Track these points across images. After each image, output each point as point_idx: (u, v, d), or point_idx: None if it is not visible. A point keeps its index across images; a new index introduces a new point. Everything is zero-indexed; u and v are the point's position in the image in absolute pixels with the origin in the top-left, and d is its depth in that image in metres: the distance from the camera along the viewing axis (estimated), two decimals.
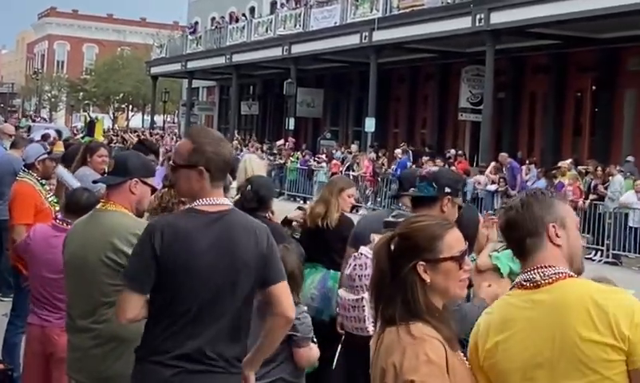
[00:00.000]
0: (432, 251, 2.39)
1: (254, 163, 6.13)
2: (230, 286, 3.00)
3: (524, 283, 2.36)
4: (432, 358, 2.25)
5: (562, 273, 2.33)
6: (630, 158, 19.81)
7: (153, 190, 3.95)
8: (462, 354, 2.42)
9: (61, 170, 6.49)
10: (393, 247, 2.43)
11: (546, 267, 2.34)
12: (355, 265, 4.13)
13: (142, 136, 25.61)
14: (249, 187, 5.14)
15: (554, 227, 2.37)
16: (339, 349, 4.88)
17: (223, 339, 3.00)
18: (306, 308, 4.13)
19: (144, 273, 3.01)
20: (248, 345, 3.14)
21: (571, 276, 2.34)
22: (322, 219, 5.44)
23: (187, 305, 2.98)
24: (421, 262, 2.38)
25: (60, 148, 7.54)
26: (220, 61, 35.61)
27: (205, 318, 2.99)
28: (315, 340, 4.10)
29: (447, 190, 3.93)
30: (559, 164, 18.18)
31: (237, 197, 5.26)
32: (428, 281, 2.37)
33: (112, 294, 3.46)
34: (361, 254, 4.17)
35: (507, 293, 2.44)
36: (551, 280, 2.32)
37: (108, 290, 3.53)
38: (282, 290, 3.10)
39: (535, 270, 2.35)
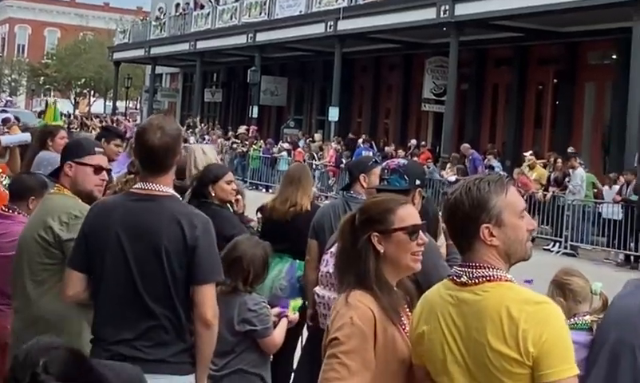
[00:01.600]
0: (385, 223, 2.61)
1: (198, 152, 5.99)
2: (151, 271, 3.01)
3: (455, 277, 2.35)
4: (355, 322, 2.47)
5: (490, 276, 2.29)
6: (530, 153, 20.18)
7: (99, 169, 3.85)
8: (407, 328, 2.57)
9: (4, 137, 6.41)
10: (355, 222, 2.64)
11: (476, 267, 2.31)
12: None
13: (104, 123, 25.34)
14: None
15: (487, 228, 2.30)
16: (305, 341, 4.85)
17: (152, 329, 3.01)
18: (262, 299, 4.09)
19: (78, 249, 3.14)
20: None
21: (500, 279, 2.29)
22: (290, 209, 5.39)
23: (112, 288, 3.03)
24: (375, 233, 2.59)
25: (17, 132, 7.38)
26: (184, 47, 35.32)
27: (130, 306, 3.01)
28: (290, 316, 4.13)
29: (417, 182, 3.95)
30: (526, 156, 18.36)
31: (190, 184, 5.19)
32: (382, 251, 2.59)
33: (39, 272, 3.53)
34: None
35: (444, 281, 2.43)
36: (477, 281, 2.29)
37: (36, 269, 3.58)
38: (207, 291, 3.05)
39: (466, 268, 2.33)
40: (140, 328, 3.01)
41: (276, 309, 4.24)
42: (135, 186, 3.20)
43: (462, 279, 2.30)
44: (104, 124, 20.07)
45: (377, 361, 2.51)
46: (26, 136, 5.67)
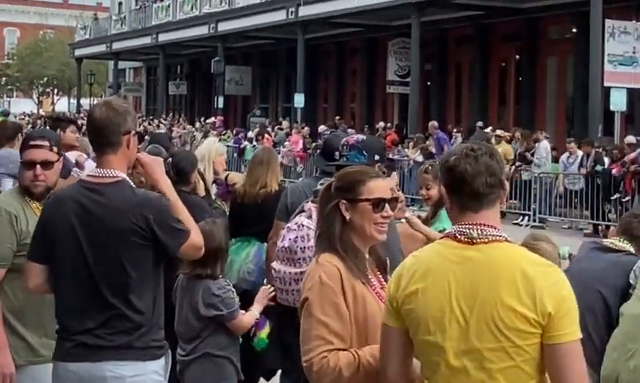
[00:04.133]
0: (353, 192, 2.78)
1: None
2: (106, 261, 2.99)
3: (459, 236, 2.33)
4: (324, 280, 2.65)
5: (500, 236, 2.33)
6: (479, 124, 20.44)
7: (29, 163, 3.73)
8: (378, 289, 2.73)
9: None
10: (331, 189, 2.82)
11: (486, 226, 2.32)
12: (297, 237, 4.03)
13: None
14: (169, 160, 5.10)
15: (504, 192, 2.37)
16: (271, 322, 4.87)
17: (114, 317, 3.00)
18: (226, 282, 4.10)
19: (36, 241, 3.14)
20: None
21: (508, 241, 2.33)
22: (260, 190, 5.39)
23: (71, 279, 3.03)
24: (343, 201, 2.77)
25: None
26: (146, 41, 35.07)
27: (89, 296, 3.00)
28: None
29: (376, 157, 3.97)
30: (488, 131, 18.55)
31: None
32: (348, 218, 2.76)
33: None
34: (302, 225, 4.08)
35: (438, 241, 2.42)
36: (487, 239, 2.30)
37: None
38: (188, 247, 3.09)
39: (474, 226, 2.32)
40: (102, 316, 2.99)
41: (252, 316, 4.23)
42: (89, 173, 3.19)
43: (472, 235, 2.30)
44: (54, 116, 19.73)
45: (349, 315, 2.63)
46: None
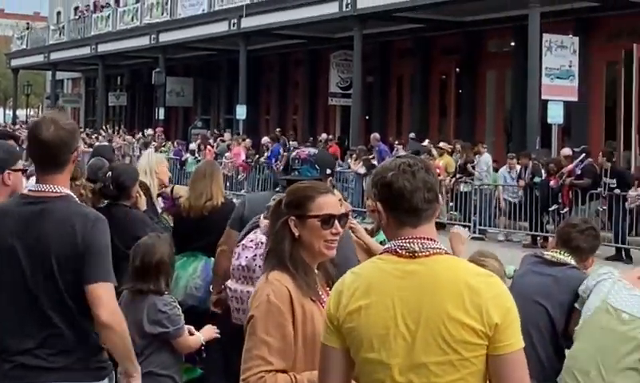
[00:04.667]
0: (302, 208, 2.76)
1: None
2: (44, 277, 2.90)
3: (399, 251, 2.30)
4: (271, 299, 2.62)
5: (441, 249, 2.31)
6: (412, 135, 20.78)
7: (23, 171, 3.82)
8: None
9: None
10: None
11: (426, 239, 2.30)
12: (255, 255, 3.91)
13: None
14: (109, 174, 4.99)
15: (439, 205, 2.36)
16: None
17: (53, 337, 2.91)
18: (172, 299, 4.01)
19: None
20: None
21: (448, 254, 2.32)
22: (206, 203, 5.31)
23: (10, 298, 2.93)
24: (292, 217, 2.75)
25: None
26: (85, 51, 34.57)
27: (28, 315, 2.90)
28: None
29: (328, 171, 3.97)
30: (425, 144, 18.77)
31: (99, 186, 5.08)
32: (297, 234, 2.74)
33: None
34: (261, 243, 3.94)
35: (378, 257, 2.38)
36: (428, 253, 2.28)
37: None
38: (99, 290, 2.91)
39: (415, 240, 2.29)
40: (41, 336, 2.90)
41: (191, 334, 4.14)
42: (30, 187, 3.09)
43: (414, 249, 2.28)
44: None
45: (296, 337, 2.63)
46: None
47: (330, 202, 2.81)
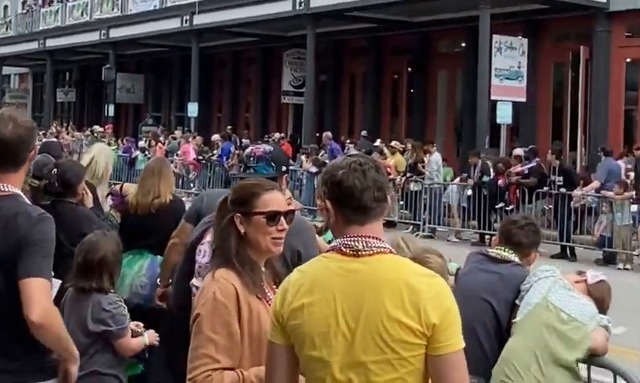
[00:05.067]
0: (247, 205, 2.75)
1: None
2: None
3: (344, 249, 2.31)
4: (217, 297, 2.61)
5: (385, 247, 2.31)
6: (364, 133, 21.00)
7: None
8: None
9: None
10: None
11: (371, 238, 2.30)
12: None
13: None
14: (54, 170, 4.90)
15: (387, 204, 2.36)
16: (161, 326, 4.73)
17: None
18: (118, 298, 3.95)
19: None
20: None
21: (392, 253, 2.32)
22: (154, 201, 5.26)
23: None
24: (238, 214, 2.74)
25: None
26: (33, 46, 34.01)
27: None
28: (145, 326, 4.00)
29: (284, 168, 3.94)
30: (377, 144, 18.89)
31: (44, 183, 4.99)
32: (242, 231, 2.74)
33: None
34: None
35: (324, 254, 2.39)
36: (372, 252, 2.29)
37: None
38: (30, 287, 2.79)
39: (359, 238, 2.30)
40: None
41: (132, 324, 4.08)
42: None
43: (357, 248, 2.28)
44: None
45: (243, 334, 2.62)
46: None
47: (276, 199, 2.80)
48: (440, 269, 3.37)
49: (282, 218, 2.78)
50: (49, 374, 2.95)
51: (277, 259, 2.91)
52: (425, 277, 2.29)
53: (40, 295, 2.80)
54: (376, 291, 2.24)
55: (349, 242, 2.31)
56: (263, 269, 2.81)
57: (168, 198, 5.33)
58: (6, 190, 2.91)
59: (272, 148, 4.07)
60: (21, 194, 2.99)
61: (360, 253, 2.29)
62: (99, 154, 6.16)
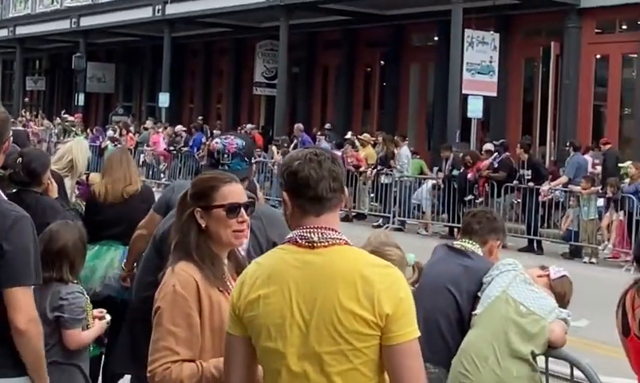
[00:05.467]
0: (207, 199, 2.75)
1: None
2: None
3: (299, 240, 2.32)
4: (177, 289, 2.63)
5: (341, 239, 2.32)
6: (328, 125, 21.10)
7: None
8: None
9: None
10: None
11: (327, 229, 2.31)
12: None
13: None
14: (19, 159, 4.86)
15: (344, 195, 2.38)
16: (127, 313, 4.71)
17: None
18: (79, 290, 3.92)
19: None
20: None
21: (347, 243, 2.33)
22: (126, 187, 5.28)
23: None
24: (198, 208, 2.75)
25: None
26: (3, 33, 33.66)
27: None
28: (107, 318, 3.97)
29: (253, 160, 4.02)
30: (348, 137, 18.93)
31: (9, 172, 4.94)
32: (203, 225, 2.74)
33: None
34: None
35: (281, 246, 2.40)
36: (327, 243, 2.30)
37: None
38: (16, 296, 2.79)
39: (315, 230, 2.31)
40: None
41: (96, 311, 4.05)
42: None
43: (313, 239, 2.29)
44: None
45: (204, 326, 2.65)
46: None
47: (235, 191, 2.79)
48: (400, 260, 3.38)
49: (242, 209, 2.77)
50: (19, 373, 2.92)
51: (238, 251, 2.91)
52: (379, 268, 2.30)
53: (26, 303, 2.82)
54: (330, 283, 2.25)
55: (305, 234, 2.32)
56: (226, 261, 2.81)
57: (140, 185, 5.40)
58: None
59: (244, 143, 4.01)
60: None
61: (315, 244, 2.30)
62: (77, 149, 6.13)
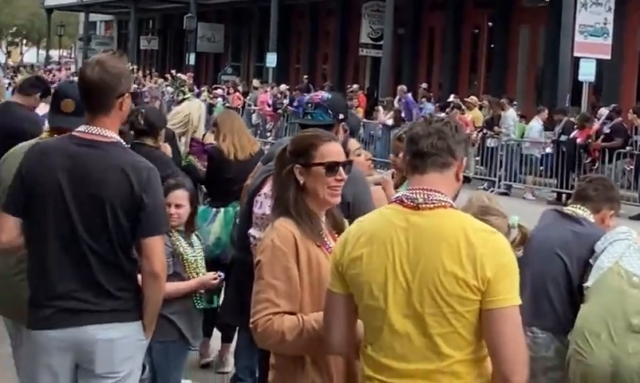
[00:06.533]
0: (306, 157, 2.78)
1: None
2: (95, 223, 2.91)
3: (405, 201, 2.34)
4: (276, 243, 2.69)
5: (445, 202, 2.33)
6: (424, 85, 20.50)
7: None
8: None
9: None
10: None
11: (431, 191, 2.33)
12: None
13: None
14: (142, 111, 5.15)
15: (462, 161, 2.40)
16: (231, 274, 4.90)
17: (96, 279, 2.93)
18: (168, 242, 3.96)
19: (14, 193, 3.02)
20: None
21: (452, 207, 2.34)
22: (253, 146, 5.54)
23: (52, 236, 2.93)
24: (297, 165, 2.78)
25: None
26: None
27: (71, 256, 2.92)
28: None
29: (341, 116, 3.96)
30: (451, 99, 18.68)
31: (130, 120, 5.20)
32: (302, 182, 2.77)
33: None
34: None
35: (386, 206, 2.45)
36: (432, 205, 2.31)
37: None
38: (155, 245, 2.97)
39: (420, 191, 2.33)
40: (84, 278, 2.91)
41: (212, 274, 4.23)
42: (78, 128, 3.03)
43: (417, 201, 2.32)
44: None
45: (302, 280, 2.68)
46: None
47: (334, 149, 2.82)
48: (500, 226, 3.33)
49: (341, 168, 2.80)
50: (139, 316, 3.05)
51: (337, 209, 2.94)
52: (484, 233, 2.31)
53: (160, 250, 3.01)
54: (434, 245, 2.27)
55: (410, 194, 2.35)
56: (323, 219, 2.84)
57: (259, 147, 5.66)
58: (107, 135, 2.97)
59: (330, 96, 4.09)
60: (122, 141, 3.06)
61: (420, 206, 2.32)
62: (194, 108, 6.45)
